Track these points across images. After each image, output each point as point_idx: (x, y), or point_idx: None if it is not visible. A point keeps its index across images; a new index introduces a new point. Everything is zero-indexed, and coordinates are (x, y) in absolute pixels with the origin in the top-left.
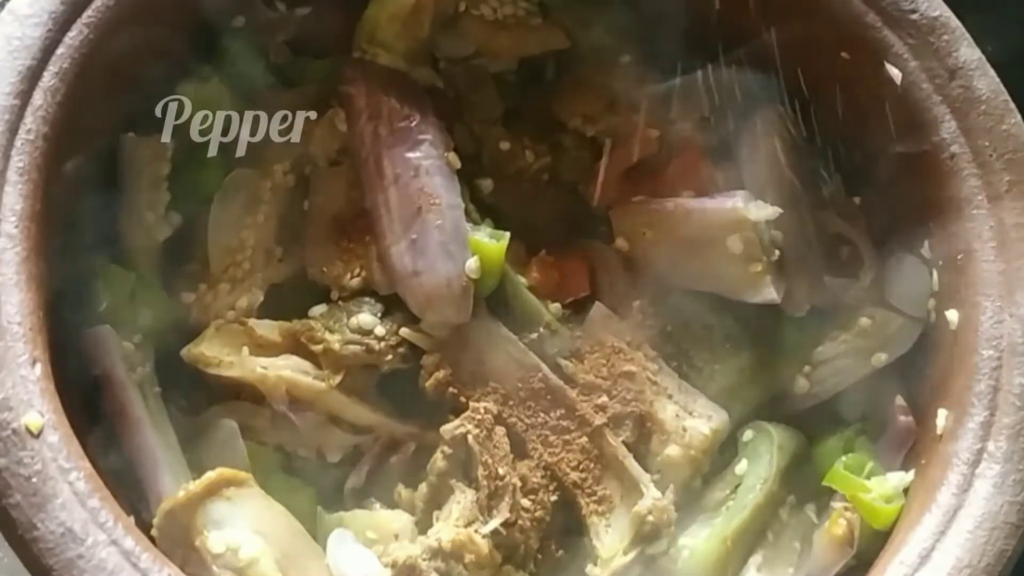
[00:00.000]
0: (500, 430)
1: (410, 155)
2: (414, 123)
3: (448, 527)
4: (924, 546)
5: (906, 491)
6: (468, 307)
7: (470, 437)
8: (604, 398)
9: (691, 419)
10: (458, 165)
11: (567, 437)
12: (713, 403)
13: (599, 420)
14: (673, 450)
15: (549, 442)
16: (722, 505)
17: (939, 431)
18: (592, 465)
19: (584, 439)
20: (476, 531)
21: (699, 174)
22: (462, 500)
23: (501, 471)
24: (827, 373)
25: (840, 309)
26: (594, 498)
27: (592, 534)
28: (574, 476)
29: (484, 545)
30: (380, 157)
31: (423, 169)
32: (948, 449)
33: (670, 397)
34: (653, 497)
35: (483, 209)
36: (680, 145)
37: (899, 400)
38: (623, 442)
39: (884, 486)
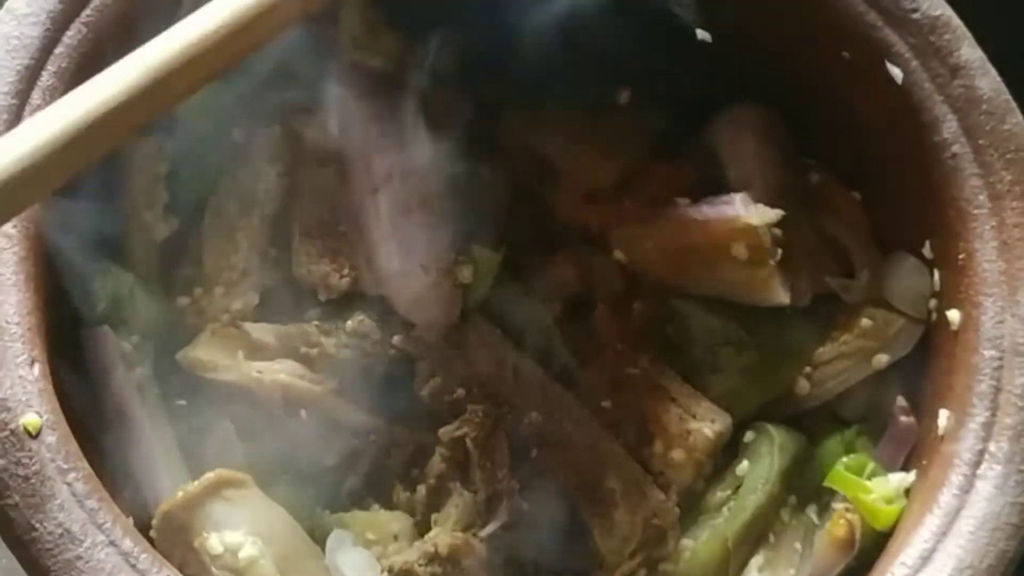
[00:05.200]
0: (500, 433)
1: (402, 156)
2: (407, 126)
3: (445, 531)
4: (925, 547)
5: (907, 492)
6: (456, 309)
7: (468, 440)
8: (606, 401)
9: (694, 422)
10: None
11: (568, 440)
12: (716, 407)
13: (600, 423)
14: (677, 453)
15: (550, 445)
16: (723, 506)
17: (940, 432)
18: (594, 468)
19: (586, 442)
20: (475, 534)
21: (681, 180)
22: (460, 503)
23: (499, 474)
24: (828, 374)
25: (841, 310)
26: (596, 501)
27: (595, 537)
28: (575, 479)
29: (482, 549)
30: (371, 157)
31: (415, 171)
32: (949, 450)
33: (673, 400)
34: (657, 500)
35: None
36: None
37: (900, 400)
38: (625, 444)
39: (885, 487)
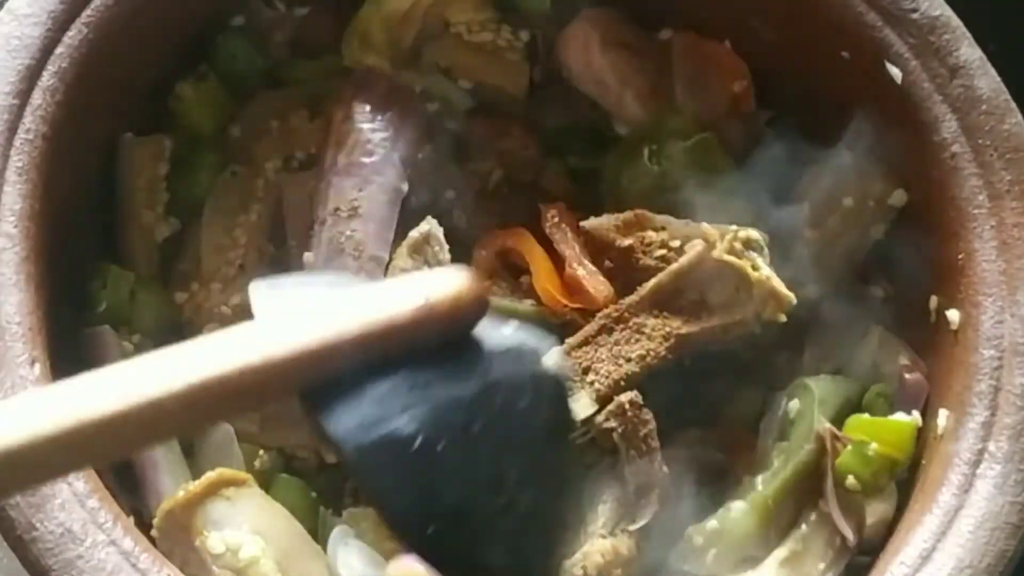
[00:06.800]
0: (648, 420)
1: (355, 193)
2: (375, 159)
3: (592, 547)
4: (925, 546)
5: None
6: None
7: (615, 435)
8: None
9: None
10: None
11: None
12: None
13: None
14: None
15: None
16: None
17: (940, 431)
18: None
19: None
20: (623, 530)
21: None
22: (608, 499)
23: (650, 464)
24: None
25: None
26: None
27: None
28: None
29: (631, 545)
30: (329, 185)
31: (361, 210)
32: (949, 449)
33: None
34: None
35: (455, 238)
36: None
37: (903, 359)
38: None
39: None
